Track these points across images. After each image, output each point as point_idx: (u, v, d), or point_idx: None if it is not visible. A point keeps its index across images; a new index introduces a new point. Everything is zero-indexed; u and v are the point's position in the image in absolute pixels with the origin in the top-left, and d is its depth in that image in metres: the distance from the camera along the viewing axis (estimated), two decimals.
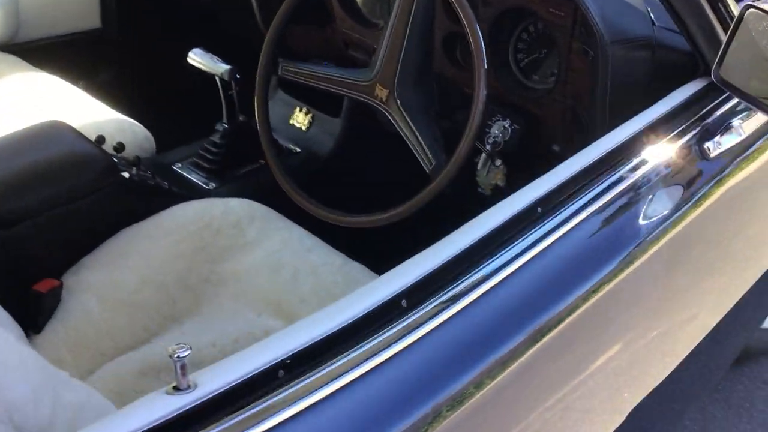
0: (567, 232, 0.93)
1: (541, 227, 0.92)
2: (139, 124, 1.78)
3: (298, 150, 1.89)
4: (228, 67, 1.68)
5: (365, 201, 1.39)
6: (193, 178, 1.76)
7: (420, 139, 1.26)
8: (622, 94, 1.39)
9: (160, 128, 1.81)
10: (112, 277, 1.38)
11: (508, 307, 0.88)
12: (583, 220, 0.94)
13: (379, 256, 1.50)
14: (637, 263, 1.03)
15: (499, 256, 0.88)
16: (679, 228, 1.12)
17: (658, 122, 1.15)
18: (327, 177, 1.85)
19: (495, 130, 1.50)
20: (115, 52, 2.28)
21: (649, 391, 1.21)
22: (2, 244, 1.31)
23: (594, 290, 0.97)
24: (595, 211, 0.96)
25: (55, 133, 1.47)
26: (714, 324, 1.34)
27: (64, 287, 1.35)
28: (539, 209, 0.92)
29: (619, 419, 1.17)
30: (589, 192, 0.98)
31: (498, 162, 1.50)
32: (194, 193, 1.68)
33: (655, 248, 1.07)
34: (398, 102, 1.30)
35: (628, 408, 1.19)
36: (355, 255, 1.48)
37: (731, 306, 1.39)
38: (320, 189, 1.52)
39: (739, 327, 1.54)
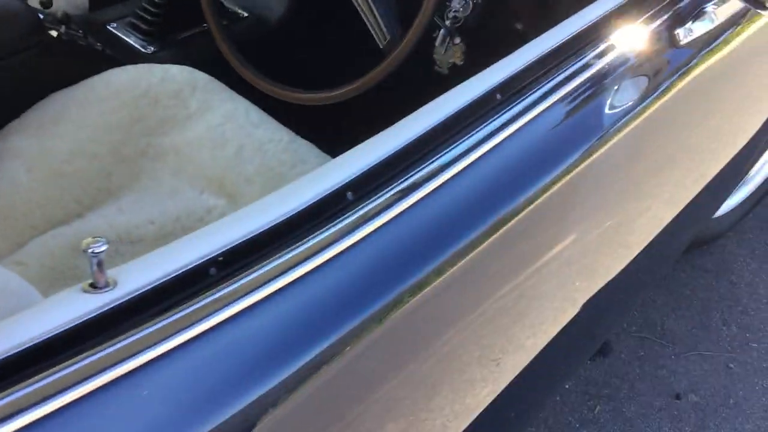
0: (528, 121, 0.87)
1: (501, 115, 0.86)
2: None
3: (245, 14, 1.76)
4: None
5: (314, 76, 1.31)
6: (130, 40, 1.63)
7: (374, 8, 1.16)
8: None
9: None
10: (42, 145, 1.29)
11: (465, 199, 0.83)
12: (545, 110, 0.88)
13: (328, 135, 1.44)
14: (597, 154, 0.99)
15: (456, 146, 0.82)
16: (641, 119, 1.07)
17: (629, 3, 1.08)
18: (274, 47, 1.74)
19: (455, 4, 1.41)
20: None
21: (600, 281, 1.21)
22: None
23: (553, 182, 0.93)
24: (558, 100, 0.90)
25: None
26: (669, 217, 1.33)
27: None
28: (499, 96, 0.85)
29: (571, 309, 1.16)
30: (553, 78, 0.92)
31: (457, 39, 1.42)
32: (131, 57, 1.56)
33: (615, 139, 1.03)
34: None
35: (579, 298, 1.18)
36: (302, 133, 1.41)
37: (688, 200, 1.37)
38: (266, 60, 1.43)
39: (692, 220, 1.54)
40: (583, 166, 0.97)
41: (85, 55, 1.44)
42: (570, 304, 1.19)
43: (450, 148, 0.79)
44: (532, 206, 0.90)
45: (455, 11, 1.41)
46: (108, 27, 1.65)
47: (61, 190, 1.28)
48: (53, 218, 1.26)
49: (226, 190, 1.31)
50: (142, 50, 1.63)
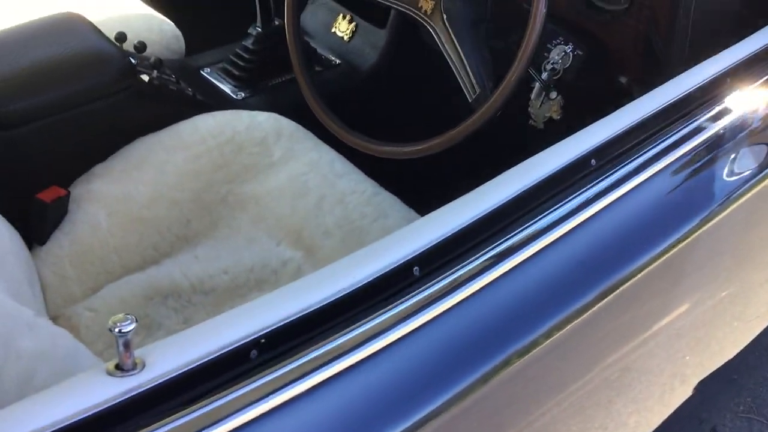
0: (632, 189, 0.78)
1: (603, 179, 0.77)
2: (168, 22, 1.65)
3: (338, 62, 1.73)
4: None
5: (402, 128, 1.25)
6: (222, 86, 1.63)
7: (465, 61, 1.09)
8: (707, 23, 1.19)
9: (192, 27, 1.67)
10: (124, 190, 1.28)
11: (563, 268, 0.75)
12: (651, 177, 0.79)
13: (414, 188, 1.37)
14: (711, 223, 0.88)
15: (549, 213, 0.74)
16: (761, 186, 0.95)
17: (748, 62, 0.97)
18: (364, 96, 1.70)
19: (554, 55, 1.33)
20: None
21: (715, 358, 1.08)
22: (5, 146, 1.21)
23: (663, 251, 0.83)
24: (665, 167, 0.80)
25: (69, 26, 1.34)
26: None
27: (71, 197, 1.26)
28: (593, 161, 0.76)
29: (680, 387, 1.05)
30: (660, 142, 0.82)
31: (554, 94, 1.33)
32: (221, 102, 1.55)
33: (731, 209, 0.92)
34: (444, 16, 1.13)
35: (690, 375, 1.07)
36: (388, 185, 1.35)
37: None
38: (354, 109, 1.38)
39: None
40: (696, 234, 0.86)
41: (175, 100, 1.43)
42: (679, 382, 1.08)
43: (544, 214, 0.72)
44: (640, 274, 0.81)
45: (553, 63, 1.33)
46: (202, 72, 1.66)
47: (139, 236, 1.26)
48: (129, 264, 1.24)
49: (304, 243, 1.26)
50: (233, 96, 1.61)
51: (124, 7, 1.65)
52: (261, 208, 1.31)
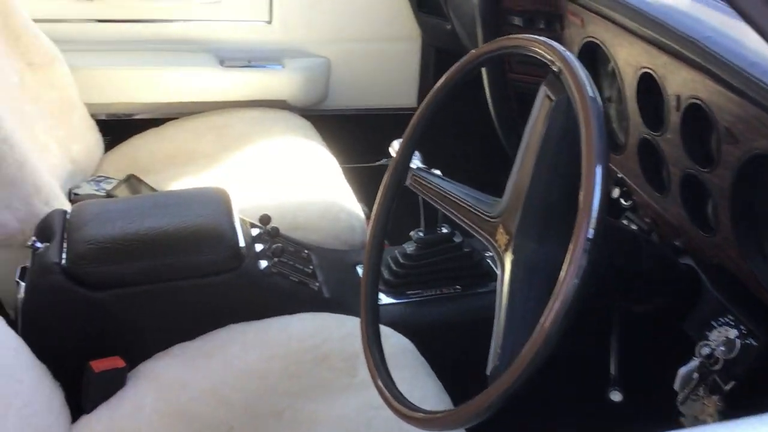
0: None
1: None
2: (355, 212, 1.59)
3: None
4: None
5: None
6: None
7: (503, 317, 0.81)
8: None
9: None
10: (182, 376, 1.19)
11: None
12: None
13: None
14: None
15: None
16: None
17: None
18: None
19: (714, 337, 0.95)
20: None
21: None
22: (87, 305, 1.21)
23: None
24: None
25: (204, 200, 1.35)
26: None
27: (131, 371, 1.20)
28: None
29: None
30: None
31: (706, 391, 0.94)
32: (351, 305, 1.39)
33: None
34: (512, 257, 0.87)
35: None
36: None
37: None
38: None
39: None
40: None
41: (284, 293, 1.32)
42: None
43: None
44: None
45: (712, 348, 0.95)
46: (356, 267, 1.54)
47: (178, 430, 1.14)
48: None
49: None
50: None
51: (314, 194, 1.64)
52: None
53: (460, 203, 0.98)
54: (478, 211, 0.95)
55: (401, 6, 2.17)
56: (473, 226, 0.95)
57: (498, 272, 0.88)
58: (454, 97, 1.02)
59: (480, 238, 0.94)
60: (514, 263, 0.86)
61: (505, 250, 0.89)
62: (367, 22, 2.18)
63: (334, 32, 2.17)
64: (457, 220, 0.98)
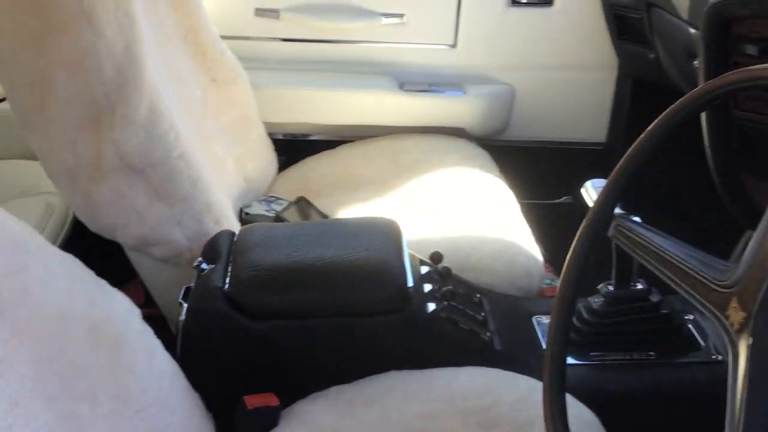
0: None
1: None
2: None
3: None
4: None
5: None
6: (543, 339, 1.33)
7: (742, 420, 0.64)
8: None
9: None
10: (336, 423, 1.09)
11: None
12: None
13: None
14: None
15: None
16: None
17: None
18: None
19: None
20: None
21: None
22: (245, 333, 1.15)
23: None
24: None
25: (374, 231, 1.25)
26: None
27: (284, 410, 1.12)
28: None
29: None
30: None
31: None
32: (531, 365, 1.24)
33: None
34: (750, 340, 0.69)
35: None
36: None
37: None
38: None
39: None
40: None
41: (453, 342, 1.19)
42: None
43: None
44: None
45: None
46: (531, 319, 1.38)
47: None
48: None
49: None
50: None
51: (490, 232, 1.51)
52: None
53: (680, 265, 0.80)
54: (705, 277, 0.77)
55: (597, 32, 2.00)
56: (695, 295, 0.78)
57: (729, 359, 0.71)
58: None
59: (704, 310, 0.77)
60: (753, 350, 0.68)
61: (740, 330, 0.71)
62: (558, 48, 2.03)
63: (520, 58, 2.04)
64: (674, 285, 0.81)
